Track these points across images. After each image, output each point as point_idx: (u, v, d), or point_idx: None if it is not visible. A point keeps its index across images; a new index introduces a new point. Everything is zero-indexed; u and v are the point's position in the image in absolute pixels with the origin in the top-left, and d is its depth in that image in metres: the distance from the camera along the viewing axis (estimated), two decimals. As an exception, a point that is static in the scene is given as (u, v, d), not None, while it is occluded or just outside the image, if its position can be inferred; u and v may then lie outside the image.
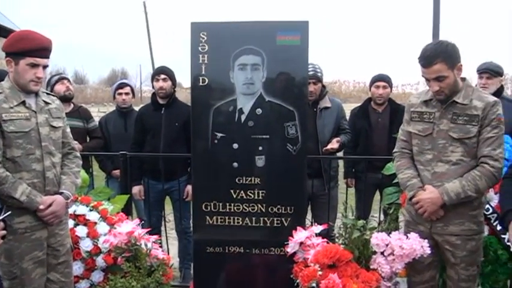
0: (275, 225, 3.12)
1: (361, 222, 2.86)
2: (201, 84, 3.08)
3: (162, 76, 4.21)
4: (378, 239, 2.72)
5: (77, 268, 2.99)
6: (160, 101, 4.24)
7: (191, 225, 3.73)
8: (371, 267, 2.75)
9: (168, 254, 4.10)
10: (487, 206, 2.93)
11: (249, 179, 3.09)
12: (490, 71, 4.07)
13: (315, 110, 4.01)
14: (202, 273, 3.27)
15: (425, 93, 2.78)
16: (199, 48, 3.05)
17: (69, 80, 4.64)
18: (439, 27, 4.40)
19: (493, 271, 2.98)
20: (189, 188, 4.09)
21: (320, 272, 2.69)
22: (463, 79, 2.67)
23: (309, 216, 4.19)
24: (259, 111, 3.04)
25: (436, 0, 4.43)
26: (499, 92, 4.08)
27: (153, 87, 4.40)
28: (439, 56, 2.52)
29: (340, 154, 4.47)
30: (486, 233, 2.93)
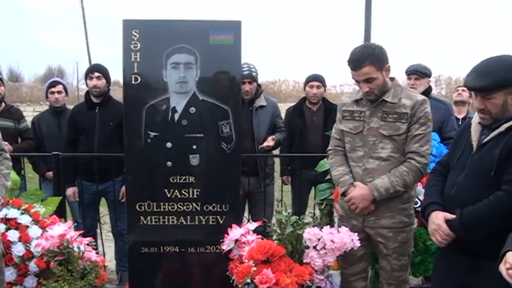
0: (210, 223, 3.13)
1: (293, 218, 2.92)
2: (133, 82, 3.03)
3: (96, 74, 4.12)
4: (310, 233, 2.78)
5: (9, 274, 2.85)
6: (94, 100, 4.14)
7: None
8: (304, 261, 2.81)
9: (104, 256, 4.02)
10: (416, 199, 3.06)
11: (184, 178, 3.08)
12: (419, 73, 4.26)
13: (250, 108, 4.05)
14: (138, 274, 3.22)
15: (356, 92, 2.86)
16: (132, 46, 3.00)
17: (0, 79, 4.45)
18: (370, 31, 4.56)
19: (423, 260, 3.13)
20: (124, 188, 4.01)
21: (254, 268, 2.72)
22: (392, 79, 2.78)
23: (251, 214, 4.25)
24: (192, 110, 3.03)
25: (367, 4, 4.58)
26: (427, 92, 4.27)
27: (87, 85, 4.28)
28: (367, 59, 2.60)
29: (276, 152, 4.54)
30: (416, 224, 3.06)
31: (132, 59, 3.01)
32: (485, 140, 2.22)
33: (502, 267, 1.81)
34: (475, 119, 2.34)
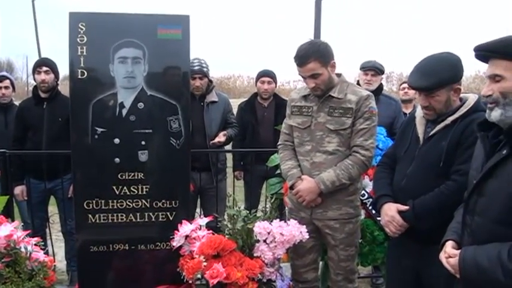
0: (160, 220, 3.10)
1: (244, 212, 2.93)
2: (79, 77, 2.95)
3: (44, 68, 4.00)
4: (260, 227, 2.80)
5: (-43, 279, 2.74)
6: (42, 95, 4.02)
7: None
8: (255, 254, 2.82)
9: (54, 256, 3.92)
10: (363, 191, 3.14)
11: (132, 174, 3.03)
12: (376, 69, 4.36)
13: (202, 104, 4.04)
14: (87, 274, 3.16)
15: (304, 88, 2.91)
16: (78, 39, 2.93)
17: None
18: (320, 28, 4.63)
19: (371, 250, 3.20)
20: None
21: (205, 263, 2.71)
22: (339, 75, 2.84)
23: (203, 209, 4.23)
24: (141, 105, 2.99)
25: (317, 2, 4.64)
26: (380, 89, 4.40)
27: (34, 80, 4.15)
28: (312, 55, 2.65)
29: (228, 147, 4.55)
30: (363, 216, 3.13)
31: (79, 53, 2.94)
32: (432, 132, 2.32)
33: (442, 256, 1.89)
34: (419, 112, 2.43)
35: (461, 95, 2.37)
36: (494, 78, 1.73)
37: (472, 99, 2.32)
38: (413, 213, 2.28)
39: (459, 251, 1.80)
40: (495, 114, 1.73)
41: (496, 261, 1.63)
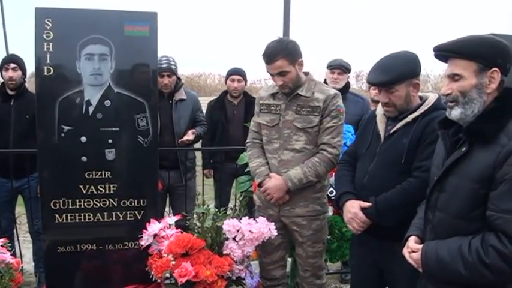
0: (128, 219, 3.07)
1: (213, 210, 2.93)
2: (46, 74, 2.90)
3: (12, 65, 3.90)
4: (229, 225, 2.81)
5: None
6: (10, 92, 3.92)
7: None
8: (224, 252, 2.83)
9: (22, 258, 3.84)
10: (331, 189, 3.16)
11: (99, 173, 3.00)
12: (342, 67, 4.41)
13: (170, 102, 4.01)
14: (55, 275, 3.10)
15: (272, 86, 2.93)
16: (44, 35, 2.88)
17: None
18: (288, 26, 4.65)
19: (340, 247, 3.24)
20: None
21: (173, 262, 2.70)
22: (306, 73, 2.86)
23: (172, 208, 4.21)
24: (107, 103, 2.95)
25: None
26: (347, 87, 4.45)
27: (1, 77, 4.04)
28: (280, 53, 2.67)
29: (197, 145, 4.53)
30: (331, 213, 3.17)
31: (45, 49, 2.89)
32: (393, 130, 2.35)
33: (405, 251, 1.93)
34: (379, 110, 2.47)
35: (422, 94, 2.42)
36: (454, 77, 1.78)
37: (432, 97, 2.37)
38: (376, 210, 2.31)
39: (422, 245, 1.85)
40: (455, 113, 1.78)
41: (457, 255, 1.68)
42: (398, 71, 2.26)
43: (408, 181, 2.26)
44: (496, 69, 1.71)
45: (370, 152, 2.43)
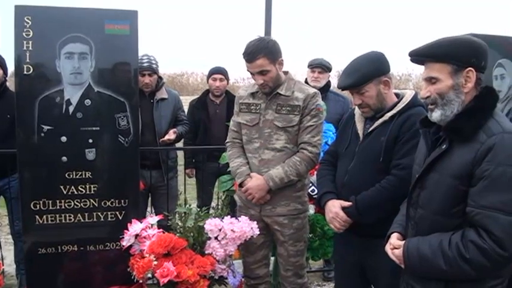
0: (109, 219, 3.06)
1: (194, 209, 2.93)
2: (25, 73, 2.88)
3: None
4: (211, 224, 2.80)
5: None
6: None
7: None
8: (206, 252, 2.82)
9: (3, 260, 3.79)
10: (313, 187, 3.18)
11: (80, 173, 2.97)
12: (323, 66, 4.43)
13: (151, 101, 3.99)
14: (36, 277, 3.07)
15: (252, 86, 2.93)
16: (24, 33, 2.85)
17: None
18: (270, 24, 4.64)
19: (321, 245, 3.26)
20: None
21: (155, 262, 2.69)
22: (286, 72, 2.87)
23: (154, 208, 4.18)
24: (88, 102, 2.93)
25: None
26: (327, 86, 4.47)
27: None
28: (260, 51, 2.67)
29: (179, 145, 4.51)
30: (312, 211, 3.19)
31: (24, 48, 2.87)
32: (371, 129, 2.38)
33: (388, 248, 1.96)
34: (358, 109, 2.49)
35: (399, 91, 2.45)
36: (431, 80, 1.81)
37: (409, 94, 2.40)
38: (356, 209, 2.33)
39: (404, 242, 1.87)
40: (436, 115, 1.81)
41: (438, 250, 1.71)
42: (362, 72, 2.30)
43: (387, 179, 2.28)
44: (470, 68, 1.74)
45: (350, 151, 2.45)
